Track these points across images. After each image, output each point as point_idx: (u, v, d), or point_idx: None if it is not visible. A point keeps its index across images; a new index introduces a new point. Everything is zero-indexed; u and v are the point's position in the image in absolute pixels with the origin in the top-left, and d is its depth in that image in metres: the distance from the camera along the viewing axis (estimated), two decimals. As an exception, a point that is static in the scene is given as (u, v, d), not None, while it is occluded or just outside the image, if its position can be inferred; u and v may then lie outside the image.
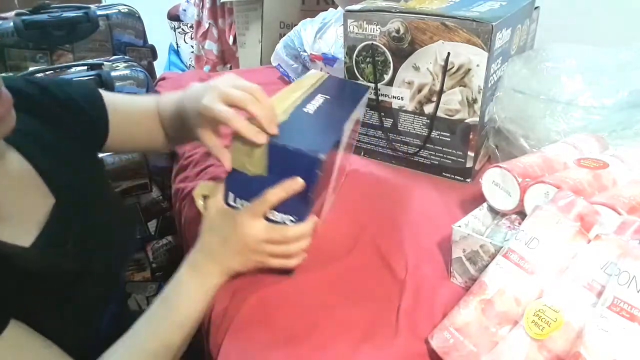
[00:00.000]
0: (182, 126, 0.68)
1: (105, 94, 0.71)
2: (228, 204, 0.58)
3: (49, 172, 0.58)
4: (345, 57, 0.89)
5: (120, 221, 0.72)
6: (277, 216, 0.57)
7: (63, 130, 0.63)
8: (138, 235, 1.25)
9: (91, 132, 0.68)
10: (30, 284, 0.51)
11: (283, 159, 0.53)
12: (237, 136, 0.53)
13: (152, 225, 1.29)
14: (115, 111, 0.70)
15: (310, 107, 0.63)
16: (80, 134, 0.66)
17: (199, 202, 0.61)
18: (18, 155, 0.57)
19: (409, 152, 0.89)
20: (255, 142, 0.53)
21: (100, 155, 0.84)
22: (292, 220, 0.57)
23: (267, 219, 0.57)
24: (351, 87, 0.83)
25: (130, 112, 0.74)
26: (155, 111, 0.76)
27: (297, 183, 0.54)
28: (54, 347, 0.53)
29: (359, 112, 0.76)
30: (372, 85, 0.86)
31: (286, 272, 0.62)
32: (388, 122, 0.89)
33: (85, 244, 0.60)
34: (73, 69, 1.16)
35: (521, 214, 0.62)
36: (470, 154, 0.83)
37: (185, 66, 2.22)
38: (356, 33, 0.85)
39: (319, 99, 0.67)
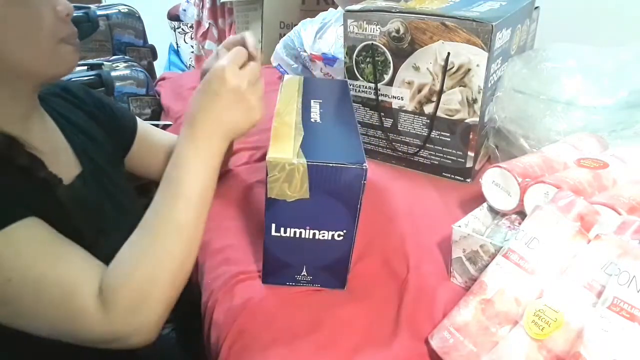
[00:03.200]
0: None
1: (141, 121, 0.80)
2: (272, 237, 0.57)
3: (79, 145, 0.66)
4: (345, 57, 0.88)
5: (132, 206, 0.75)
6: (327, 234, 0.56)
7: (96, 123, 0.72)
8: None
9: (118, 135, 0.75)
10: (64, 219, 0.55)
11: (326, 177, 0.52)
12: (273, 163, 0.52)
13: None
14: (144, 132, 0.79)
15: (314, 116, 0.63)
16: (110, 133, 0.73)
17: None
18: (56, 128, 0.65)
19: (409, 152, 0.89)
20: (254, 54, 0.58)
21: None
22: (340, 235, 0.56)
23: (314, 239, 0.56)
24: (330, 84, 0.82)
25: (156, 140, 0.80)
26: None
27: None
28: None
29: None
30: (372, 85, 0.86)
31: (341, 286, 0.61)
32: (388, 122, 0.89)
33: (101, 210, 0.64)
34: (73, 69, 1.16)
35: (521, 214, 0.62)
36: (470, 154, 0.83)
37: (185, 66, 2.22)
38: (356, 33, 0.85)
39: (315, 106, 0.67)
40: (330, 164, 0.52)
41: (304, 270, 0.60)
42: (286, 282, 0.61)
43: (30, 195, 0.53)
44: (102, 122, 0.73)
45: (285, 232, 0.56)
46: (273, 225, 0.56)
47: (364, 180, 0.53)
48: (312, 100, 0.68)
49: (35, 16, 0.54)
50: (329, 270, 0.60)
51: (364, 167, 0.52)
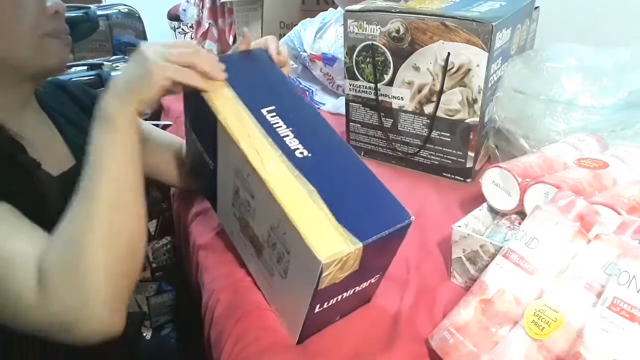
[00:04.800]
0: None
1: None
2: (314, 314, 0.50)
3: (73, 140, 0.67)
4: (345, 57, 0.89)
5: None
6: (367, 283, 0.54)
7: (92, 118, 0.71)
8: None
9: None
10: (42, 205, 0.55)
11: (378, 246, 0.46)
12: (328, 263, 0.43)
13: (152, 225, 1.29)
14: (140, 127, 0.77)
15: (291, 143, 0.49)
16: None
17: None
18: (50, 123, 0.67)
19: (409, 152, 0.89)
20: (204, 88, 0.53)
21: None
22: (376, 277, 0.55)
23: (354, 293, 0.52)
24: (250, 66, 0.60)
25: (153, 136, 0.80)
26: (178, 146, 0.82)
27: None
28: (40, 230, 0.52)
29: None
30: (372, 85, 0.86)
31: (366, 300, 0.59)
32: (388, 122, 0.89)
33: None
34: (73, 69, 1.16)
35: (521, 214, 0.62)
36: (470, 154, 0.83)
37: (185, 66, 2.22)
38: (356, 33, 0.85)
39: (275, 121, 0.51)
40: (385, 234, 0.46)
41: (338, 316, 0.57)
42: (317, 332, 0.56)
43: (9, 179, 0.54)
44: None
45: (327, 304, 0.50)
46: (317, 305, 0.49)
47: (408, 230, 0.49)
48: (263, 111, 0.52)
49: (18, 10, 0.55)
50: (355, 305, 0.58)
51: (412, 220, 0.48)
